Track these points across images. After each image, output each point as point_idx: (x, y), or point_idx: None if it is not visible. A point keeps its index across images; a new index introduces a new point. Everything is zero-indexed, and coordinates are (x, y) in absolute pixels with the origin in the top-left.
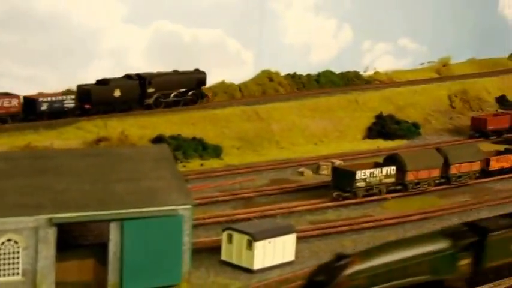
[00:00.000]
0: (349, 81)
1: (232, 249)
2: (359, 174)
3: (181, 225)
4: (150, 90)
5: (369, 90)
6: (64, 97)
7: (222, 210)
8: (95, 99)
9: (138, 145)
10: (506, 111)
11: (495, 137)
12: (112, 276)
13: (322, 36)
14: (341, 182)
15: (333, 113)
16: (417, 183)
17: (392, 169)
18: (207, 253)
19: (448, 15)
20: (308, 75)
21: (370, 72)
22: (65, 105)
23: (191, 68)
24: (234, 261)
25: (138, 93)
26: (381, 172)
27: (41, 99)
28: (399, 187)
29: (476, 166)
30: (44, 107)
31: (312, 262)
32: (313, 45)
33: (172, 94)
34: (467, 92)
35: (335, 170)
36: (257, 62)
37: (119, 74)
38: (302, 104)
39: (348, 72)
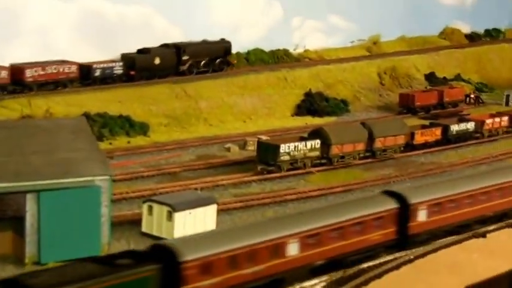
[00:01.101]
0: (279, 59)
1: (153, 221)
2: (283, 148)
3: (99, 196)
4: (185, 58)
5: (299, 67)
6: (114, 64)
7: (147, 185)
8: (139, 66)
9: (55, 117)
10: (434, 87)
11: (423, 113)
12: (30, 248)
13: (252, 13)
14: (265, 155)
15: (262, 91)
16: (342, 157)
17: (316, 143)
18: (129, 225)
19: None
20: (237, 53)
21: (300, 50)
22: (114, 72)
23: (116, 45)
24: (155, 232)
25: (175, 60)
26: (305, 146)
27: (95, 66)
28: (324, 161)
29: (401, 140)
30: (97, 73)
31: None
32: (243, 22)
33: (203, 62)
34: (397, 69)
35: (260, 144)
36: (185, 40)
37: (43, 52)
38: (231, 81)
39: (278, 50)
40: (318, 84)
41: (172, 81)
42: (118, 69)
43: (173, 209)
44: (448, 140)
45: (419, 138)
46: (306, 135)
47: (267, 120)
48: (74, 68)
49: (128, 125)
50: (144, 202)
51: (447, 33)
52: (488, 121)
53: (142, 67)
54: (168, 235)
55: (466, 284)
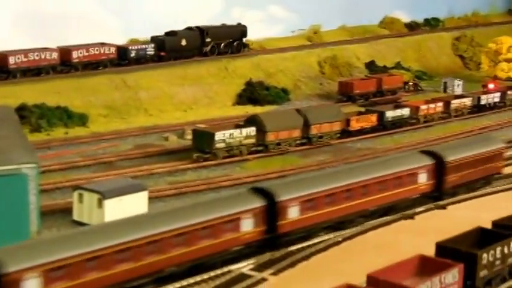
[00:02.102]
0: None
1: (83, 209)
2: (218, 135)
3: (26, 184)
4: (208, 40)
5: (240, 57)
6: (147, 46)
7: (82, 174)
8: (168, 48)
9: None
10: (373, 75)
11: (362, 101)
12: None
13: (192, 3)
14: (201, 143)
15: (203, 81)
16: (278, 144)
17: (252, 130)
18: (61, 214)
19: None
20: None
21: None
22: (147, 53)
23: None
24: (85, 220)
25: (199, 42)
26: (241, 133)
27: (131, 47)
28: (260, 148)
29: (337, 126)
30: (132, 54)
31: None
32: (182, 14)
33: (223, 44)
34: (337, 58)
35: (195, 132)
36: (126, 31)
37: None
38: (171, 72)
39: None
40: (259, 74)
41: (112, 72)
42: (150, 51)
43: (103, 196)
44: (383, 126)
45: (355, 125)
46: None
47: (208, 110)
48: (113, 50)
49: (66, 116)
50: (74, 190)
51: (387, 23)
52: (423, 107)
53: (171, 48)
54: (98, 223)
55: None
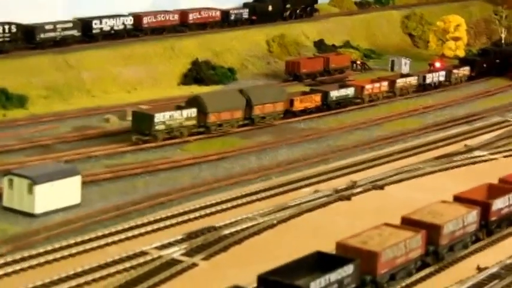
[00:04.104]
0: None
1: (14, 195)
2: (158, 117)
3: None
4: (288, 6)
5: (186, 37)
6: (243, 10)
7: (16, 158)
8: (258, 12)
9: None
10: (320, 54)
11: (309, 80)
12: None
13: None
14: (140, 125)
15: (148, 60)
16: (220, 125)
17: (193, 111)
18: None
19: None
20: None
21: None
22: (243, 16)
23: None
24: (16, 206)
25: (281, 7)
26: (182, 115)
27: (231, 11)
28: (201, 129)
29: (280, 107)
30: (232, 17)
31: (100, 204)
32: None
33: (298, 9)
34: (285, 36)
35: (134, 114)
36: (69, 8)
37: None
38: (116, 51)
39: None
40: (206, 53)
41: (54, 52)
42: (245, 14)
43: (34, 181)
44: (328, 106)
45: (298, 105)
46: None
47: (152, 91)
48: (218, 13)
49: (4, 98)
50: (4, 176)
51: (337, 1)
52: (368, 86)
53: (261, 12)
54: (29, 208)
55: (325, 244)
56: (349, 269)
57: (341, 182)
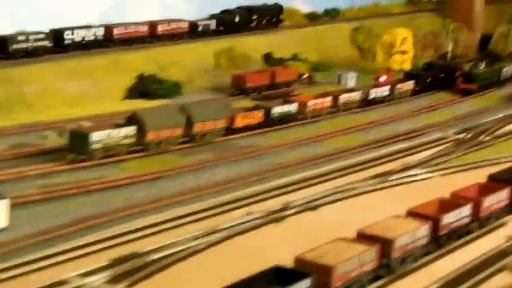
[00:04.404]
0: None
1: None
2: (94, 136)
3: None
4: (254, 17)
5: (133, 50)
6: (210, 21)
7: None
8: (225, 23)
9: None
10: (267, 68)
11: (255, 94)
12: None
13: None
14: (76, 144)
15: (93, 74)
16: (159, 143)
17: (131, 129)
18: None
19: None
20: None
21: None
22: (210, 27)
23: None
24: None
25: (247, 19)
26: (120, 133)
27: (199, 22)
28: (140, 147)
29: (221, 123)
30: (200, 28)
31: (27, 228)
32: (74, 4)
33: (264, 20)
34: (234, 50)
35: (71, 132)
36: (12, 21)
37: None
38: (60, 65)
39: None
40: (152, 67)
41: None
42: (213, 26)
43: None
44: (270, 122)
45: (240, 122)
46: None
47: (96, 105)
48: (186, 24)
49: None
50: None
51: (287, 13)
52: (311, 102)
53: (228, 23)
54: None
55: (255, 268)
56: (306, 283)
57: (276, 202)
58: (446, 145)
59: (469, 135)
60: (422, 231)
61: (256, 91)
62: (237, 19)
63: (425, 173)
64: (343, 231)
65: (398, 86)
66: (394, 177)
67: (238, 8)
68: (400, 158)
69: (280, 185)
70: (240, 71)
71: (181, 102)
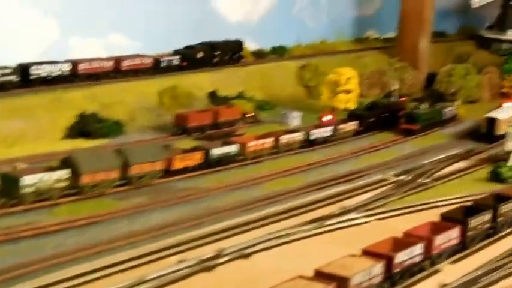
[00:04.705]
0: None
1: None
2: (26, 180)
3: None
4: (216, 53)
5: (74, 88)
6: (174, 57)
7: None
8: (189, 58)
9: None
10: (210, 107)
11: (198, 134)
12: None
13: (25, 29)
14: (8, 188)
15: (33, 113)
16: (94, 186)
17: (65, 172)
18: None
19: (162, 9)
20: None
21: None
22: (174, 63)
23: None
24: None
25: (211, 54)
26: (53, 176)
27: (162, 58)
28: (74, 191)
29: (159, 165)
30: (164, 64)
31: None
32: (14, 40)
33: (227, 56)
34: (178, 88)
35: (2, 176)
36: None
37: None
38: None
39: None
40: (94, 105)
41: None
42: (176, 61)
43: None
44: (209, 164)
45: (178, 164)
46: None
47: (36, 145)
48: (150, 60)
49: None
50: None
51: None
52: (252, 143)
53: (191, 59)
54: None
55: None
56: None
57: (209, 249)
58: (386, 187)
59: (408, 177)
60: (376, 269)
61: (199, 130)
62: (200, 55)
63: (363, 216)
64: (277, 279)
65: (341, 126)
66: (331, 221)
67: (201, 43)
68: (339, 201)
69: (216, 230)
70: (183, 110)
71: (122, 141)
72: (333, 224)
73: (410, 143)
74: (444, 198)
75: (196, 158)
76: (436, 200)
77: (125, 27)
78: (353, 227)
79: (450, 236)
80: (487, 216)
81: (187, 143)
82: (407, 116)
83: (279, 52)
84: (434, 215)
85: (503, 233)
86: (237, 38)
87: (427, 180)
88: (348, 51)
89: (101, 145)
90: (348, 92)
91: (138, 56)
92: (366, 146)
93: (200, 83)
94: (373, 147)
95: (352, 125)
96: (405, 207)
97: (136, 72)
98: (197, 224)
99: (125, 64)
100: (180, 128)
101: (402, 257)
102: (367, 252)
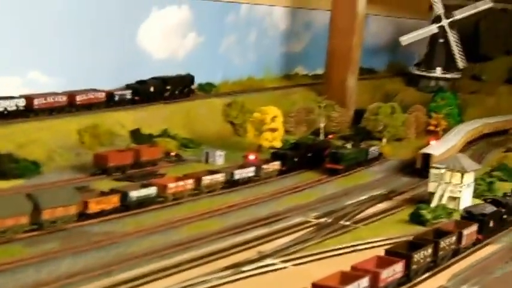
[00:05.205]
0: None
1: None
2: None
3: None
4: (168, 87)
5: None
6: (126, 92)
7: None
8: (141, 93)
9: None
10: (131, 147)
11: (119, 174)
12: None
13: None
14: None
15: None
16: (3, 232)
17: None
18: None
19: (86, 47)
20: None
21: None
22: (126, 97)
23: None
24: None
25: (162, 88)
26: None
27: (115, 92)
28: None
29: (73, 209)
30: (117, 98)
31: None
32: None
33: (177, 90)
34: (99, 126)
35: None
36: None
37: None
38: None
39: None
40: (9, 145)
41: None
42: (129, 95)
43: None
44: (128, 206)
45: (94, 207)
46: None
47: None
48: (103, 94)
49: None
50: None
51: None
52: (172, 185)
53: (143, 93)
54: None
55: None
56: None
57: None
58: (306, 231)
59: (329, 220)
60: None
61: (120, 170)
62: (151, 89)
63: (281, 262)
64: None
65: (264, 166)
66: (248, 267)
67: (153, 78)
68: (257, 245)
69: (126, 278)
70: (103, 149)
71: (38, 182)
72: (249, 270)
73: (334, 183)
74: (363, 242)
75: (113, 200)
76: (355, 244)
77: (44, 64)
78: (269, 273)
79: (395, 270)
80: (428, 250)
81: (106, 183)
82: (332, 156)
83: (206, 89)
84: (353, 260)
85: (442, 266)
86: (162, 74)
87: (348, 223)
88: (276, 88)
89: (12, 187)
90: (273, 130)
91: (91, 90)
92: (289, 187)
93: (123, 121)
94: (296, 187)
95: (275, 165)
96: (324, 252)
97: (90, 107)
98: (106, 272)
99: (79, 99)
100: (100, 168)
101: None
102: (316, 286)
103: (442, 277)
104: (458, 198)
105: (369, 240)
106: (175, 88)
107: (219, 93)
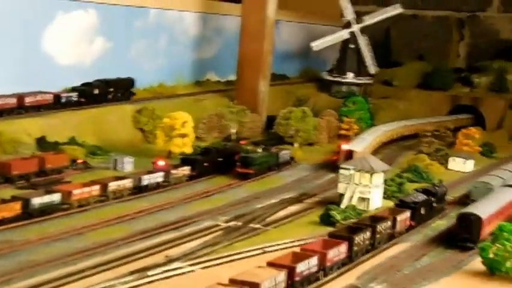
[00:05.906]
0: None
1: None
2: None
3: None
4: (110, 89)
5: None
6: (72, 94)
7: None
8: (87, 95)
9: None
10: (35, 155)
11: (22, 182)
12: None
13: None
14: None
15: None
16: None
17: None
18: None
19: None
20: None
21: None
22: (73, 99)
23: None
24: None
25: (105, 91)
26: None
27: (62, 94)
28: None
29: None
30: (63, 100)
31: None
32: None
33: (119, 93)
34: (2, 134)
35: None
36: None
37: None
38: None
39: None
40: None
41: None
42: (75, 97)
43: None
44: (30, 214)
45: None
46: None
47: None
48: (51, 96)
49: None
50: None
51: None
52: (76, 191)
53: (89, 95)
54: None
55: None
56: None
57: None
58: (215, 234)
59: (239, 223)
60: (281, 277)
61: (24, 179)
62: (96, 91)
63: (188, 265)
64: None
65: (173, 171)
66: (154, 271)
67: (98, 80)
68: (165, 250)
69: (27, 286)
70: (6, 157)
71: None
72: (156, 274)
73: (245, 187)
74: (273, 244)
75: (15, 208)
76: (264, 246)
77: None
78: (177, 277)
79: (340, 250)
80: (367, 234)
81: (10, 192)
82: (242, 160)
83: (119, 97)
84: (262, 261)
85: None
86: (69, 80)
87: (258, 226)
88: (187, 94)
89: None
90: (183, 136)
91: (39, 92)
92: (199, 191)
93: (29, 128)
94: (207, 192)
95: (185, 170)
96: (233, 254)
97: (39, 108)
98: (6, 280)
99: (28, 100)
100: (2, 176)
101: (301, 268)
102: (271, 264)
103: (353, 275)
104: (368, 199)
105: (279, 242)
106: (117, 90)
107: (131, 100)
